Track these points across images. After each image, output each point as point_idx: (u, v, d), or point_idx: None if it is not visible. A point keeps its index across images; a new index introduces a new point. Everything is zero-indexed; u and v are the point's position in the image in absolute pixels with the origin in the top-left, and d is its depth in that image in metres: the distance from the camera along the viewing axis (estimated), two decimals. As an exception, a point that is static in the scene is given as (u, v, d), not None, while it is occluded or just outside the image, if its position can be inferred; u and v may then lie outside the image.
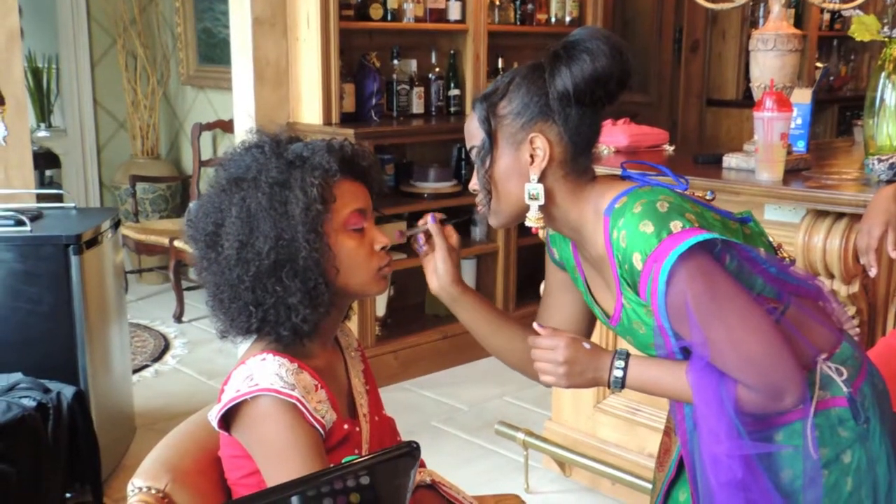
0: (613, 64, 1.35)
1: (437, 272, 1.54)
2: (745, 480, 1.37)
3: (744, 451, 1.36)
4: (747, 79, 2.79)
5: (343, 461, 1.09)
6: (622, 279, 1.39)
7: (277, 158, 1.39)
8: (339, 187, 1.40)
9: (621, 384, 1.43)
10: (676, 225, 1.30)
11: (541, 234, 1.50)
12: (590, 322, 1.66)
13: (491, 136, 1.41)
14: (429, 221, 1.53)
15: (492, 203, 1.44)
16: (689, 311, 1.31)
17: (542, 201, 1.40)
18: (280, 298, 1.36)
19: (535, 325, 1.49)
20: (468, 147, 1.46)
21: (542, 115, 1.38)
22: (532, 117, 1.39)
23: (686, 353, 1.39)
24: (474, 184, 1.46)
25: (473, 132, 1.43)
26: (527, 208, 1.42)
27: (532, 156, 1.39)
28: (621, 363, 1.42)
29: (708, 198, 1.51)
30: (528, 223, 1.43)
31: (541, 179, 1.40)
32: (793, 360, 1.34)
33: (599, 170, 1.51)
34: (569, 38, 1.38)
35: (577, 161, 1.41)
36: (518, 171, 1.41)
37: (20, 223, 2.79)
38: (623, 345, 1.54)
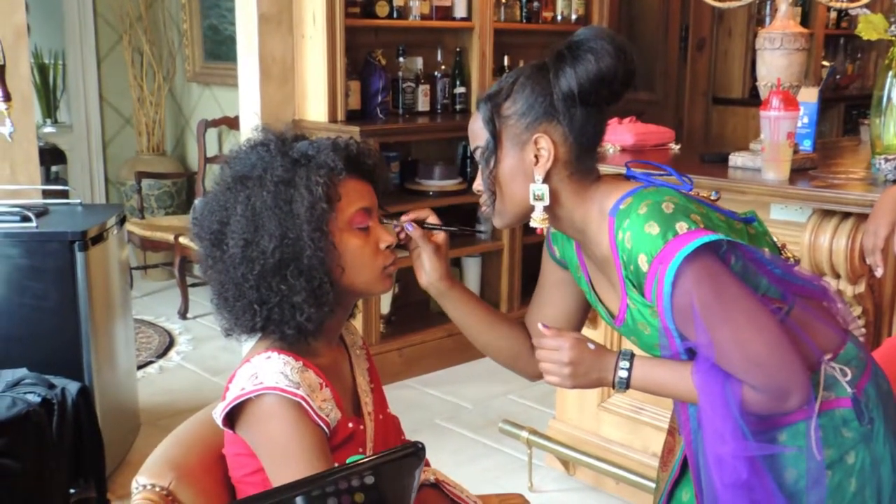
0: (618, 64, 1.34)
1: (425, 268, 1.55)
2: (749, 481, 1.36)
3: (749, 453, 1.35)
4: (754, 77, 2.79)
5: (348, 461, 1.09)
6: (627, 280, 1.38)
7: (283, 157, 1.39)
8: (344, 186, 1.40)
9: (626, 385, 1.43)
10: (682, 226, 1.30)
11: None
12: (581, 319, 1.66)
13: (495, 136, 1.40)
14: (406, 228, 1.52)
15: (496, 203, 1.44)
16: (694, 312, 1.31)
17: (547, 202, 1.40)
18: (285, 297, 1.36)
19: (539, 325, 1.49)
20: (472, 147, 1.46)
21: (547, 115, 1.38)
22: (536, 118, 1.38)
23: (691, 353, 1.39)
24: (478, 184, 1.45)
25: (477, 132, 1.43)
26: (531, 209, 1.42)
27: (537, 156, 1.39)
28: (626, 364, 1.43)
29: (712, 198, 1.51)
30: (532, 224, 1.43)
31: (545, 180, 1.39)
32: (798, 361, 1.34)
33: (604, 169, 1.51)
34: (573, 38, 1.38)
35: (582, 161, 1.41)
36: (523, 172, 1.40)
37: (26, 219, 2.80)
38: (627, 345, 1.54)
